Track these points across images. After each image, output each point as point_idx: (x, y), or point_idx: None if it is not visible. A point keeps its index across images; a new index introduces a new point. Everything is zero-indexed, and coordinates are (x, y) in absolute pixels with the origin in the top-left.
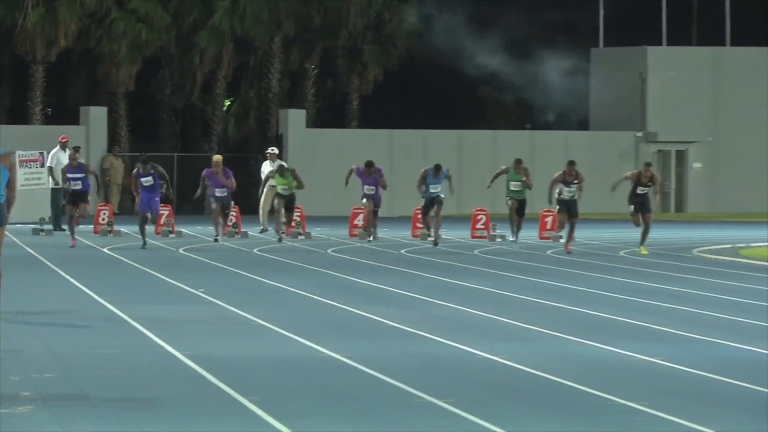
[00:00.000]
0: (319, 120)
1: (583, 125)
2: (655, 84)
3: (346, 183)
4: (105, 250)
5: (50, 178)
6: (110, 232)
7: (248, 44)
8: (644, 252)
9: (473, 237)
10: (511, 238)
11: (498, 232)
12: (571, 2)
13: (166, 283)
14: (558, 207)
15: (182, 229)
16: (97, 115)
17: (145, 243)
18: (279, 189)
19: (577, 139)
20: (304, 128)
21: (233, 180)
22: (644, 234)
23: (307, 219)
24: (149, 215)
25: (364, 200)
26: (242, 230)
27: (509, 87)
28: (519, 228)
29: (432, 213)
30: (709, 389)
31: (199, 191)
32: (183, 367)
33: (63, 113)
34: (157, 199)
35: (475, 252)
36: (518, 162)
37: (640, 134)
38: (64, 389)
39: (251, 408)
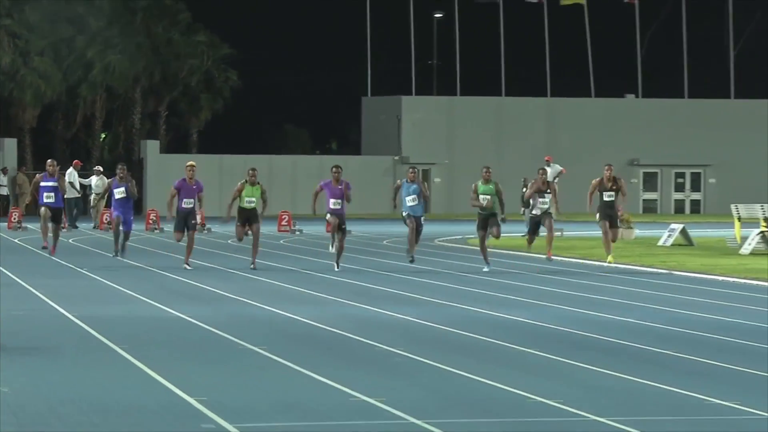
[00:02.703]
0: (170, 148)
1: (358, 151)
2: (407, 122)
3: (313, 205)
4: (16, 240)
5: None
6: (20, 228)
7: (117, 93)
8: (611, 260)
9: (279, 231)
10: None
11: (297, 227)
12: (347, 65)
13: (60, 264)
14: (530, 222)
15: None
16: (9, 144)
17: (117, 252)
18: (244, 201)
19: (354, 161)
20: (158, 154)
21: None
22: (608, 244)
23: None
24: (121, 228)
25: (329, 216)
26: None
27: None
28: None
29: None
30: (447, 339)
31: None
32: (72, 324)
33: None
34: (131, 214)
35: (281, 241)
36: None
37: (397, 157)
38: None
39: (122, 353)
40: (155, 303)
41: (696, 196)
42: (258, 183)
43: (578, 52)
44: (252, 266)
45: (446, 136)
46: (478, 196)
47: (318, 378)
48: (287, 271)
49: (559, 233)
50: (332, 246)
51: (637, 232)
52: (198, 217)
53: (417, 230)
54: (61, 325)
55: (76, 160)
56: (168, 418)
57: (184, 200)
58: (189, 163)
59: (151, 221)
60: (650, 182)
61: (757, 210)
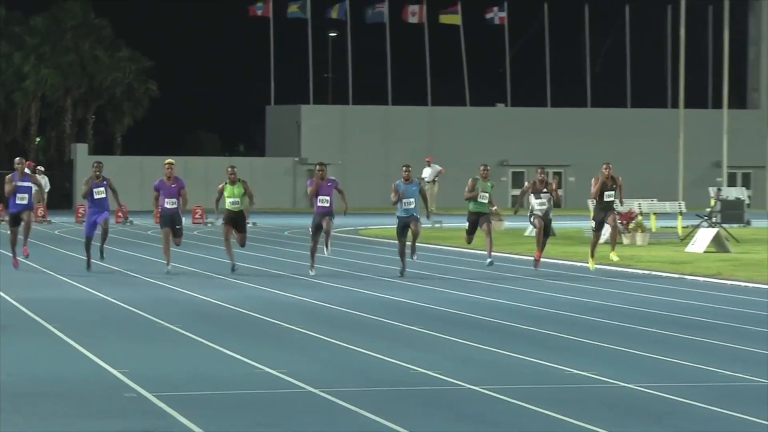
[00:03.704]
0: (97, 150)
1: (262, 153)
2: (305, 128)
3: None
4: None
5: None
6: None
7: (50, 103)
8: (615, 257)
9: (193, 223)
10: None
11: (209, 220)
12: (253, 77)
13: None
14: (532, 220)
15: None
16: None
17: (89, 265)
18: (228, 202)
19: (259, 162)
20: (86, 155)
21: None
22: (613, 238)
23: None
24: (94, 234)
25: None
26: (48, 219)
27: (216, 130)
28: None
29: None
30: (340, 318)
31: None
32: (12, 307)
33: None
34: (107, 213)
35: (195, 232)
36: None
37: (297, 159)
38: None
39: (55, 331)
40: (86, 287)
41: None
42: (239, 180)
43: (455, 66)
44: (234, 269)
45: (340, 140)
46: (477, 192)
47: (227, 352)
48: (200, 258)
49: (439, 224)
50: (327, 249)
51: (506, 224)
52: (183, 221)
53: (414, 234)
54: (2, 307)
55: (28, 161)
56: (95, 388)
57: (167, 200)
58: (167, 161)
59: (80, 215)
60: (518, 180)
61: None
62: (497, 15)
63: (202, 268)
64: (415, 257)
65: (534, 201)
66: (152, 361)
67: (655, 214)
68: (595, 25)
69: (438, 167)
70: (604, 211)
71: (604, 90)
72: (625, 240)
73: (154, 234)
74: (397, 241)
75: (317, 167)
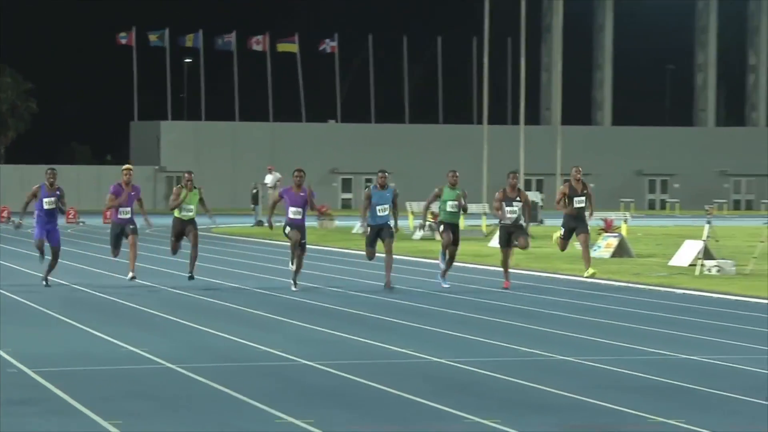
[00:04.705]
0: None
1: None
2: (165, 140)
3: (270, 213)
4: None
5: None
6: None
7: None
8: (592, 271)
9: (67, 222)
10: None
11: (81, 220)
12: (120, 96)
13: None
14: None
15: None
16: None
17: (47, 281)
18: (183, 210)
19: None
20: None
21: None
22: (586, 258)
23: None
24: (45, 245)
25: (289, 230)
26: None
27: (87, 142)
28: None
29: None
30: (195, 303)
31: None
32: None
33: None
34: (58, 234)
35: (69, 231)
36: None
37: (157, 167)
38: None
39: None
40: None
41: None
42: (195, 187)
43: (293, 87)
44: (190, 275)
45: (194, 151)
46: (443, 202)
47: (97, 334)
48: (74, 253)
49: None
50: (293, 262)
51: (337, 223)
52: (147, 222)
53: (387, 242)
54: None
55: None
56: None
57: (120, 208)
58: (124, 166)
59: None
60: (347, 186)
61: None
62: (329, 45)
63: (75, 261)
64: (389, 279)
65: (505, 209)
66: (32, 342)
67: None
68: (412, 53)
69: (278, 174)
70: (575, 220)
71: (421, 108)
72: (437, 236)
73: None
74: (365, 252)
75: (295, 173)
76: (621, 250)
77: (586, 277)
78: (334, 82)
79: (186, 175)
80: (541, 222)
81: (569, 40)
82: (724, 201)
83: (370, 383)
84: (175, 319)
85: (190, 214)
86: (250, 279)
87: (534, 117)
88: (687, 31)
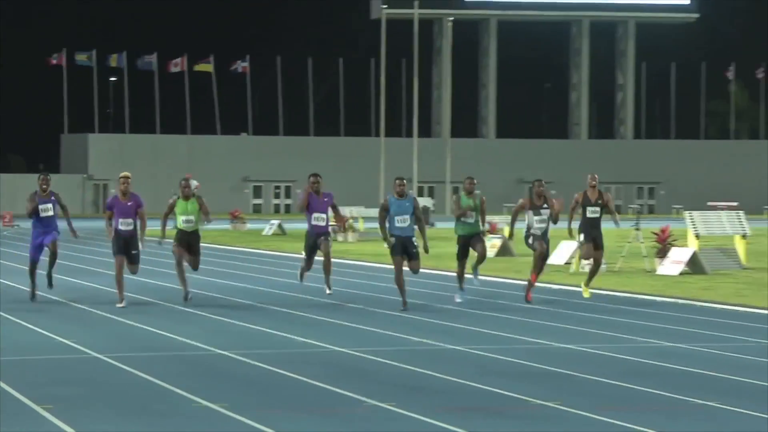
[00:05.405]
0: None
1: (58, 171)
2: (92, 151)
3: (303, 210)
4: None
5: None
6: None
7: None
8: (587, 293)
9: (3, 225)
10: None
11: (15, 223)
12: (52, 110)
13: None
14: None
15: None
16: None
17: (34, 296)
18: (181, 221)
19: (56, 177)
20: None
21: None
22: (593, 273)
23: None
24: (39, 258)
25: (321, 238)
26: None
27: (21, 153)
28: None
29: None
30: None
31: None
32: None
33: None
34: (55, 234)
35: (5, 233)
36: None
37: (85, 175)
38: None
39: None
40: None
41: (288, 201)
42: (193, 195)
43: (208, 103)
44: (188, 298)
45: (120, 160)
46: (465, 210)
47: (33, 328)
48: (9, 254)
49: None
50: (302, 278)
51: (248, 225)
52: (140, 245)
53: (412, 260)
54: None
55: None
56: None
57: (120, 220)
58: (121, 174)
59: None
60: (257, 192)
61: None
62: (240, 65)
63: (15, 262)
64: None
65: (533, 218)
66: None
67: (363, 218)
68: (316, 73)
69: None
70: (594, 229)
71: (324, 122)
72: (339, 238)
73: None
74: (392, 266)
75: (311, 178)
76: (504, 250)
77: (585, 296)
78: (246, 99)
79: (183, 182)
80: (432, 225)
81: (458, 62)
82: None
83: (278, 370)
84: (101, 313)
85: (191, 224)
86: (165, 276)
87: (426, 130)
88: (562, 54)
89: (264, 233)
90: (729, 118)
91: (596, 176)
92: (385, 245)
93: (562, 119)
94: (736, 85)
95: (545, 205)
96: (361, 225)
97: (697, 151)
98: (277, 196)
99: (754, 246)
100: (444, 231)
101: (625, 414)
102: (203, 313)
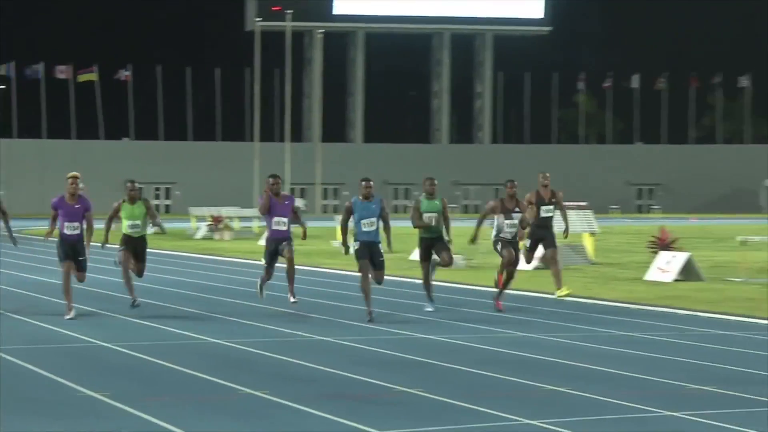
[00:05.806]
0: None
1: None
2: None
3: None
4: None
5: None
6: None
7: None
8: (566, 291)
9: None
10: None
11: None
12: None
13: None
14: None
15: None
16: None
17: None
18: (126, 225)
19: None
20: None
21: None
22: (556, 275)
23: None
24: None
25: (284, 244)
26: None
27: None
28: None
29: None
30: (22, 299)
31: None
32: None
33: None
34: (85, 255)
35: None
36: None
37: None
38: None
39: None
40: None
41: (168, 201)
42: (140, 198)
43: (92, 109)
44: (135, 304)
45: (6, 165)
46: (421, 215)
47: None
48: None
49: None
50: (261, 293)
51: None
52: (86, 252)
53: (377, 269)
54: None
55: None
56: None
57: (66, 224)
58: (70, 174)
59: None
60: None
61: (206, 210)
62: (123, 74)
63: None
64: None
65: (504, 222)
66: None
67: (238, 217)
68: (195, 81)
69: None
70: (542, 229)
71: (202, 127)
72: (216, 236)
73: None
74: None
75: (269, 179)
76: None
77: (560, 297)
78: (128, 106)
79: (128, 184)
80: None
81: (327, 71)
82: (455, 206)
83: (157, 361)
84: (17, 316)
85: (137, 230)
86: (54, 273)
87: (298, 135)
88: (425, 64)
89: (349, 253)
90: (578, 125)
91: (548, 175)
92: (343, 251)
93: (424, 125)
94: (585, 94)
95: (517, 209)
96: (236, 224)
97: (549, 155)
98: (157, 197)
99: (601, 243)
100: (315, 230)
101: (482, 400)
102: (85, 307)
